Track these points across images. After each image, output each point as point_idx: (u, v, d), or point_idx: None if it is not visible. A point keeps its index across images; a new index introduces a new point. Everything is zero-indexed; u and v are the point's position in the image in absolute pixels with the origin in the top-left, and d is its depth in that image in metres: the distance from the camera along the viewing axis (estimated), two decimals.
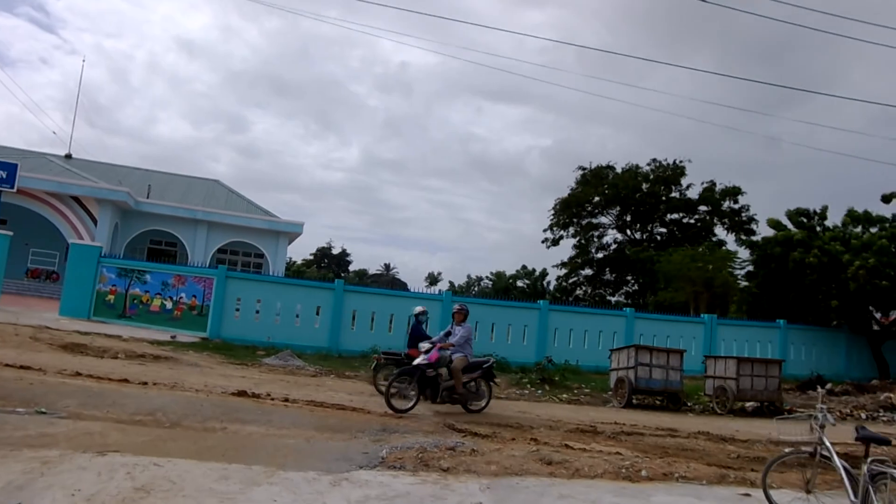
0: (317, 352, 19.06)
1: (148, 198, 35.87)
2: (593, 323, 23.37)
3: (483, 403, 11.06)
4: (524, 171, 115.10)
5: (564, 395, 15.32)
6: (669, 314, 27.06)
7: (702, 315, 25.98)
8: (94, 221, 31.45)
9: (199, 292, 20.41)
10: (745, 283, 30.57)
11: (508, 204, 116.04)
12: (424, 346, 10.63)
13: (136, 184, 36.55)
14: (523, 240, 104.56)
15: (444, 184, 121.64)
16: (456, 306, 11.41)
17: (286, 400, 10.23)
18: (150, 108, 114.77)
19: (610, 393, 16.04)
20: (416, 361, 10.32)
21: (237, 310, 20.62)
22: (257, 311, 20.63)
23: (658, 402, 15.87)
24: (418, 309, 13.68)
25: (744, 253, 32.53)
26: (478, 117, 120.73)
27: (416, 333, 13.31)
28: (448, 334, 11.05)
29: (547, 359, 18.08)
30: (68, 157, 39.27)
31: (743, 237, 41.02)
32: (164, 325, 20.22)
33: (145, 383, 10.12)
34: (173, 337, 18.38)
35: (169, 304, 20.69)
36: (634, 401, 15.14)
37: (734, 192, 47.37)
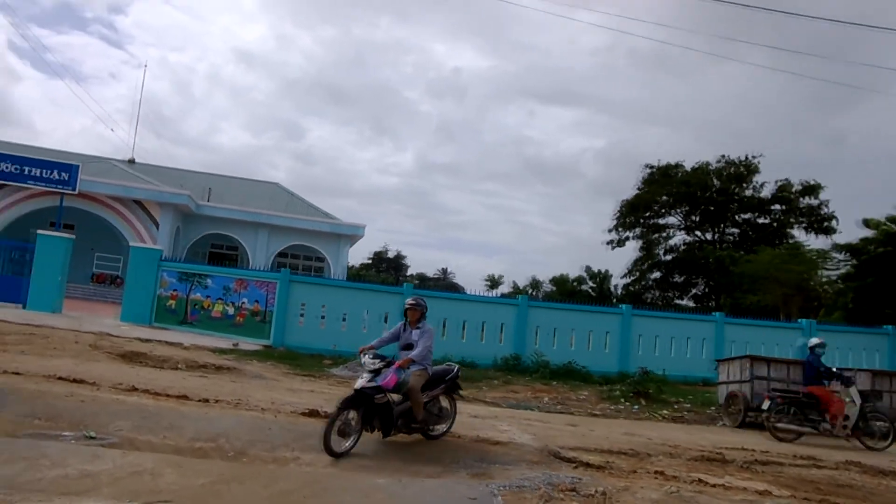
0: None
1: (208, 201, 35.52)
2: (679, 328, 21.46)
3: (445, 427, 8.16)
4: (579, 172, 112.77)
5: (665, 412, 13.60)
6: (758, 319, 24.93)
7: (799, 320, 23.76)
8: (156, 225, 31.21)
9: (261, 297, 19.45)
10: (841, 286, 28.09)
11: (563, 206, 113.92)
12: (371, 362, 7.38)
13: (197, 187, 36.25)
14: (579, 242, 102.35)
15: (498, 187, 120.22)
16: (410, 301, 8.15)
17: None
18: (212, 119, 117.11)
19: (713, 409, 14.28)
20: (358, 385, 7.26)
21: (301, 315, 19.50)
22: (322, 317, 19.46)
23: None
24: (815, 341, 12.01)
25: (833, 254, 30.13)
26: (531, 120, 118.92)
27: (817, 365, 11.70)
28: (397, 337, 8.17)
29: (642, 370, 16.36)
30: (131, 161, 39.42)
31: (828, 237, 38.34)
32: (225, 331, 19.31)
33: (206, 400, 9.01)
34: (235, 345, 17.43)
35: (231, 310, 19.76)
36: (747, 419, 13.31)
37: (813, 190, 44.66)
